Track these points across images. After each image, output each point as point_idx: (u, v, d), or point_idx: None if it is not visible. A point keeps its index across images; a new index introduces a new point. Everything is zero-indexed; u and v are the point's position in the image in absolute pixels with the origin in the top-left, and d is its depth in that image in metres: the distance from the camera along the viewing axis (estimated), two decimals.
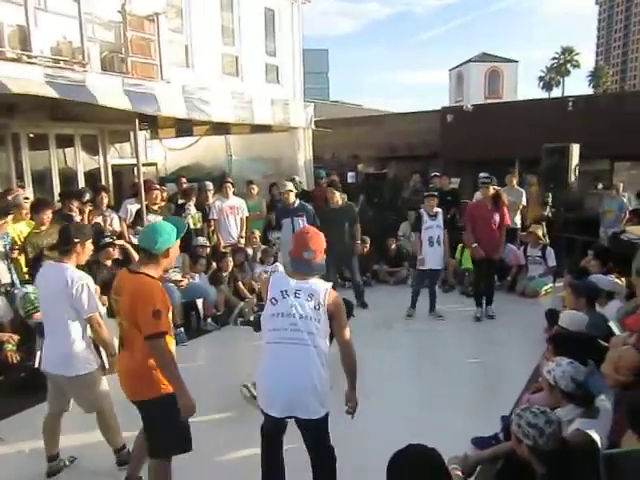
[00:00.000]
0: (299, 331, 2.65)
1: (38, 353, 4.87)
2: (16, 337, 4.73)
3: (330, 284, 2.83)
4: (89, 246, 3.56)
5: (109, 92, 6.21)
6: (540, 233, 8.07)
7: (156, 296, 2.70)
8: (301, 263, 2.82)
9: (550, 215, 9.32)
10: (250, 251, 7.90)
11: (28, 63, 6.33)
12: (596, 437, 2.60)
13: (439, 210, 6.82)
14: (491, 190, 6.52)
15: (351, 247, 7.09)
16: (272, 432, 2.85)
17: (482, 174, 8.96)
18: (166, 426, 2.80)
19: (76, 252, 3.45)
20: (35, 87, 5.49)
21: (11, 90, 5.23)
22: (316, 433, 2.78)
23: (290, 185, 7.15)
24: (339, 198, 7.10)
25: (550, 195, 9.19)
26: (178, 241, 2.90)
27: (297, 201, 6.98)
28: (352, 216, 7.09)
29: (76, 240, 3.44)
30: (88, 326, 3.41)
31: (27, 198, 6.20)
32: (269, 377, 2.71)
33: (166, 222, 2.96)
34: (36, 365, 4.83)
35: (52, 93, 5.56)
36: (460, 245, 8.28)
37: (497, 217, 6.47)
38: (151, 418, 2.83)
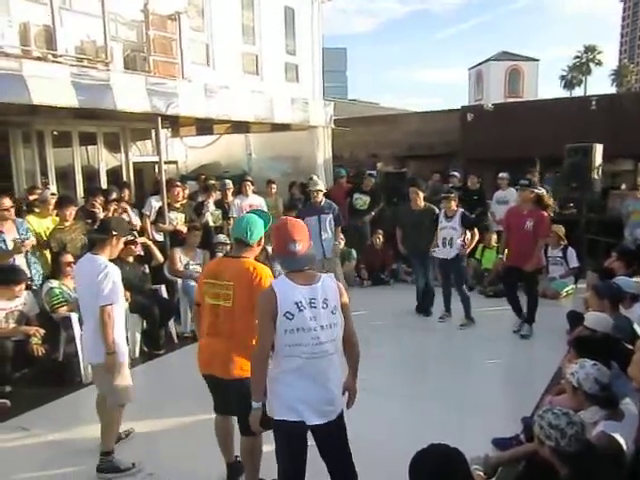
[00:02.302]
0: (322, 344, 2.52)
1: (62, 347, 4.99)
2: (42, 331, 4.82)
3: (332, 276, 2.69)
4: (122, 242, 3.67)
5: (131, 92, 6.29)
6: (561, 233, 7.94)
7: (270, 275, 2.96)
8: (289, 258, 2.59)
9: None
10: (269, 249, 7.92)
11: (53, 62, 6.46)
12: (621, 440, 2.57)
13: (459, 210, 6.56)
14: (529, 194, 6.01)
15: (428, 250, 6.83)
16: (300, 449, 2.61)
17: (503, 174, 8.92)
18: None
19: (111, 245, 3.54)
20: (58, 91, 5.57)
21: (32, 100, 5.33)
22: (338, 433, 2.68)
23: (321, 184, 7.08)
24: (422, 200, 6.89)
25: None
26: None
27: (324, 200, 6.94)
28: (433, 219, 6.77)
29: (114, 232, 3.53)
30: (123, 317, 3.50)
31: (54, 194, 6.32)
32: (297, 389, 2.55)
33: (254, 215, 3.15)
34: (60, 358, 4.96)
35: (72, 102, 5.65)
36: (481, 245, 8.20)
37: (529, 223, 5.93)
38: (247, 395, 2.87)
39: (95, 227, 3.72)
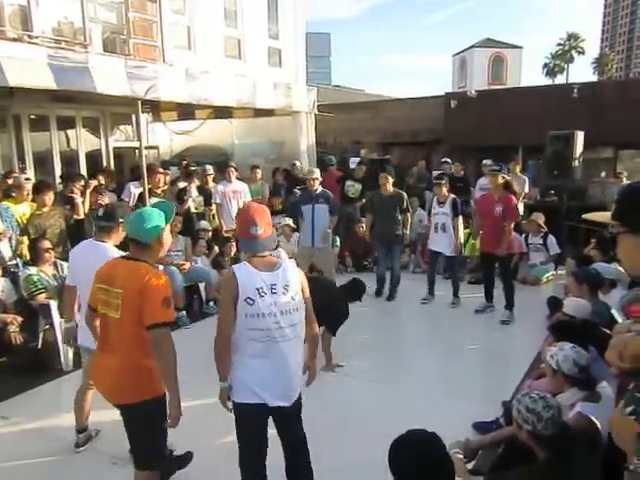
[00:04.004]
0: (282, 328, 2.57)
1: (41, 334, 4.92)
2: (19, 319, 4.75)
3: (294, 262, 2.75)
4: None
5: (111, 75, 6.16)
6: (540, 221, 8.02)
7: (166, 284, 2.61)
8: (249, 241, 2.61)
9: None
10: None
11: (29, 43, 6.28)
12: (597, 422, 2.62)
13: (450, 196, 6.69)
14: (499, 179, 6.13)
15: (397, 235, 6.96)
16: (260, 430, 2.65)
17: (487, 161, 8.97)
18: (161, 430, 2.68)
19: (117, 232, 3.43)
20: (35, 73, 5.45)
21: (9, 83, 5.19)
22: (296, 412, 2.77)
23: (317, 172, 7.04)
24: (391, 185, 6.97)
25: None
26: (169, 226, 2.78)
27: (320, 188, 6.89)
28: (402, 205, 6.93)
29: (120, 220, 3.41)
30: None
31: (28, 179, 6.18)
32: (257, 373, 2.58)
33: (153, 208, 2.81)
34: (39, 346, 4.89)
35: (50, 84, 5.52)
36: (467, 231, 8.27)
37: (499, 209, 6.04)
38: (145, 421, 2.64)
39: (100, 214, 3.56)
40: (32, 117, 8.05)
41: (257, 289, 2.52)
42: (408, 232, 7.16)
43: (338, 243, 8.38)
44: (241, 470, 2.69)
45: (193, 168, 8.14)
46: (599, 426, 2.63)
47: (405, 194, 7.10)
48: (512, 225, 6.18)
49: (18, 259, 5.36)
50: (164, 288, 2.58)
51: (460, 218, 6.73)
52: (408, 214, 7.04)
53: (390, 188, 6.98)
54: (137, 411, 2.62)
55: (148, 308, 2.52)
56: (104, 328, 2.71)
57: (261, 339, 2.55)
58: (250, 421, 2.64)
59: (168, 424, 2.62)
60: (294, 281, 2.63)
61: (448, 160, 9.88)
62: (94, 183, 6.57)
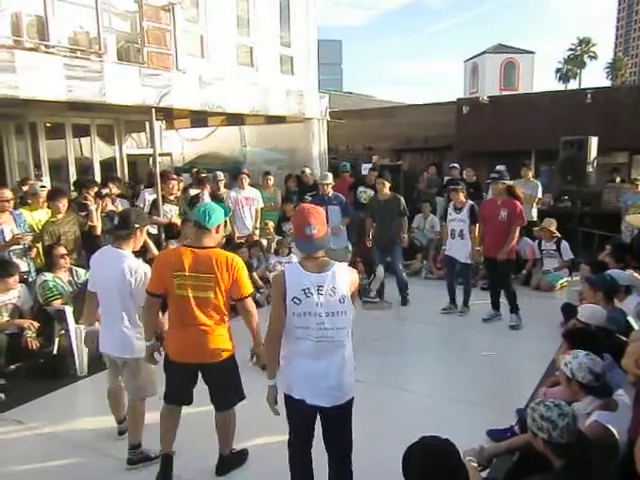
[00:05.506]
0: (326, 329, 2.62)
1: (57, 340, 4.97)
2: (36, 324, 4.80)
3: (345, 263, 2.78)
4: (144, 233, 3.60)
5: (125, 83, 6.25)
6: (553, 227, 7.94)
7: (242, 262, 3.17)
8: (304, 241, 2.69)
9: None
10: (264, 242, 7.94)
11: (46, 53, 6.38)
12: (614, 430, 2.59)
13: (468, 203, 6.60)
14: (500, 186, 6.15)
15: (396, 239, 6.97)
16: (303, 424, 2.78)
17: (500, 167, 8.91)
18: (238, 377, 3.28)
19: (135, 238, 3.47)
20: (49, 83, 5.60)
21: (19, 96, 5.32)
22: (342, 418, 2.78)
23: (330, 177, 7.20)
24: (388, 190, 7.00)
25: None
26: (224, 222, 3.29)
27: (331, 192, 7.01)
28: (399, 208, 6.93)
29: (136, 225, 3.44)
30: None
31: (44, 187, 6.27)
32: (301, 369, 2.69)
33: (214, 203, 3.38)
34: (55, 351, 4.94)
35: (62, 96, 5.66)
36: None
37: (503, 213, 6.04)
38: (229, 372, 3.22)
39: (115, 222, 3.56)
40: (48, 125, 8.18)
41: (303, 289, 2.60)
42: (405, 236, 7.12)
43: (351, 248, 8.38)
44: (288, 449, 2.85)
45: (204, 175, 8.19)
46: (616, 435, 2.60)
47: (402, 198, 7.08)
48: (517, 230, 6.14)
49: (31, 265, 5.40)
50: (243, 266, 3.15)
51: (477, 225, 6.60)
52: (405, 218, 7.04)
53: (387, 192, 6.98)
54: (229, 362, 3.20)
55: (237, 285, 3.10)
56: (185, 308, 3.09)
57: (309, 337, 2.62)
58: (294, 414, 2.77)
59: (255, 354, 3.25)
60: (343, 284, 2.64)
61: (456, 165, 9.85)
62: (107, 198, 6.62)
